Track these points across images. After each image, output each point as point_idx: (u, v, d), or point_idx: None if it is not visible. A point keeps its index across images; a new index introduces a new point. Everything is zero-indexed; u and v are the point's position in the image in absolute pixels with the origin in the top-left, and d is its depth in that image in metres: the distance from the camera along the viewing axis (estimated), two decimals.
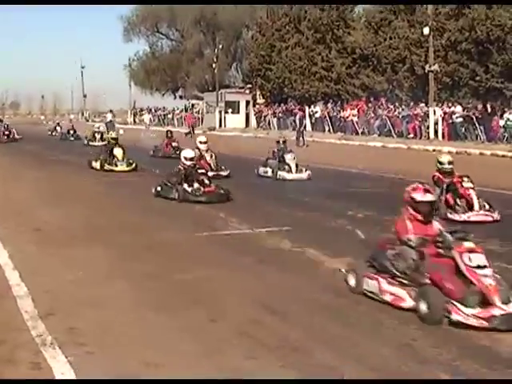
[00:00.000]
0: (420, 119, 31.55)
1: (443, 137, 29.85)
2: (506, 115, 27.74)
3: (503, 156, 23.54)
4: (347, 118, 36.30)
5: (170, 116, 56.68)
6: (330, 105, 39.52)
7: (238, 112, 48.21)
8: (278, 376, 4.62)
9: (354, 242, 8.99)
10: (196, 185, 13.06)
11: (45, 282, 6.91)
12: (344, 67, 41.15)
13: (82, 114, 76.61)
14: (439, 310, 5.62)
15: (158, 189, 13.44)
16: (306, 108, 39.07)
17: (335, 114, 38.00)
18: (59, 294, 6.55)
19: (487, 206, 10.89)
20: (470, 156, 23.46)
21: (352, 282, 6.65)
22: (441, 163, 11.56)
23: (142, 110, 63.47)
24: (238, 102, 48.41)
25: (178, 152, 22.64)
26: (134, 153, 20.84)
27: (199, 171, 13.81)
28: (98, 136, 31.54)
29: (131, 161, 19.00)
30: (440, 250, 6.16)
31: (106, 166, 18.80)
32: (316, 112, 39.07)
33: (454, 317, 5.54)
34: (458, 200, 10.97)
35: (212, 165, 16.70)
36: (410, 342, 5.32)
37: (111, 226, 10.46)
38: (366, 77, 39.86)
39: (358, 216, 11.46)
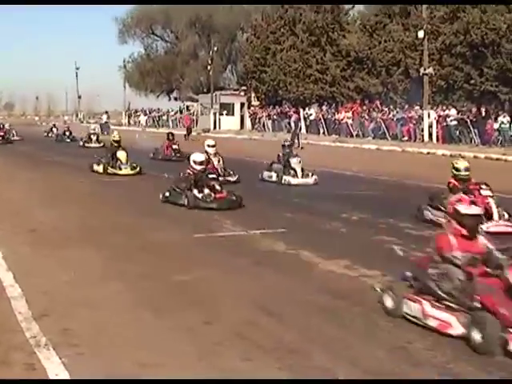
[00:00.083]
0: (414, 122, 31.65)
1: (437, 140, 29.95)
2: (499, 118, 27.87)
3: (497, 159, 23.63)
4: (342, 120, 36.38)
5: (164, 118, 56.70)
6: (324, 107, 39.59)
7: (233, 114, 48.27)
8: (274, 378, 4.62)
9: (348, 244, 9.01)
10: (206, 191, 12.44)
11: (39, 283, 6.90)
12: (339, 70, 41.21)
13: (77, 116, 76.46)
14: (495, 339, 5.06)
15: (167, 194, 12.83)
16: (301, 110, 39.12)
17: (330, 116, 38.07)
18: (53, 295, 6.53)
19: (506, 216, 10.19)
20: (464, 159, 23.44)
21: (389, 303, 6.01)
22: (457, 169, 10.86)
23: (136, 111, 63.46)
24: (233, 104, 48.46)
25: (178, 155, 22.42)
26: (132, 155, 20.62)
27: (210, 176, 13.11)
28: (93, 138, 31.47)
29: (135, 164, 18.35)
30: (488, 270, 5.62)
31: (110, 170, 18.15)
32: (311, 114, 39.15)
33: None
34: None
35: (220, 170, 15.92)
36: (405, 344, 5.33)
37: (105, 226, 10.45)
38: (360, 79, 39.94)
39: (352, 218, 11.48)
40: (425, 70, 31.01)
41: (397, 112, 33.56)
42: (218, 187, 12.64)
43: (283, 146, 17.47)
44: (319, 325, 5.77)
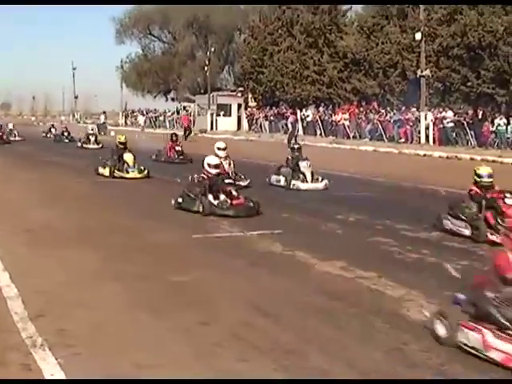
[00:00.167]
0: (411, 124, 31.71)
1: (434, 141, 30.02)
2: (496, 121, 27.94)
3: (493, 161, 23.56)
4: (339, 121, 36.41)
5: (161, 118, 56.68)
6: (321, 108, 39.63)
7: (230, 115, 48.29)
8: (270, 378, 4.63)
9: (345, 246, 9.02)
10: (222, 196, 11.67)
11: (36, 284, 6.89)
12: (336, 71, 41.27)
13: (73, 116, 76.40)
14: None
15: (179, 200, 12.02)
16: (298, 112, 39.15)
17: (327, 117, 38.11)
18: (50, 295, 6.52)
19: None
20: (461, 161, 23.55)
21: (442, 331, 5.30)
22: (479, 176, 10.01)
23: (133, 111, 63.44)
24: (230, 104, 48.48)
25: (181, 157, 21.99)
26: None
27: (226, 181, 12.11)
28: (92, 138, 31.26)
29: (142, 167, 17.63)
30: None
31: (116, 173, 17.41)
32: (307, 116, 39.15)
33: None
34: (499, 219, 9.44)
35: (230, 173, 14.69)
36: (401, 346, 5.33)
37: (102, 227, 10.44)
38: (357, 81, 39.99)
39: (348, 220, 11.50)
40: (422, 71, 31.05)
41: (394, 114, 33.60)
42: (234, 193, 11.84)
43: (292, 148, 16.78)
44: (315, 326, 5.77)
